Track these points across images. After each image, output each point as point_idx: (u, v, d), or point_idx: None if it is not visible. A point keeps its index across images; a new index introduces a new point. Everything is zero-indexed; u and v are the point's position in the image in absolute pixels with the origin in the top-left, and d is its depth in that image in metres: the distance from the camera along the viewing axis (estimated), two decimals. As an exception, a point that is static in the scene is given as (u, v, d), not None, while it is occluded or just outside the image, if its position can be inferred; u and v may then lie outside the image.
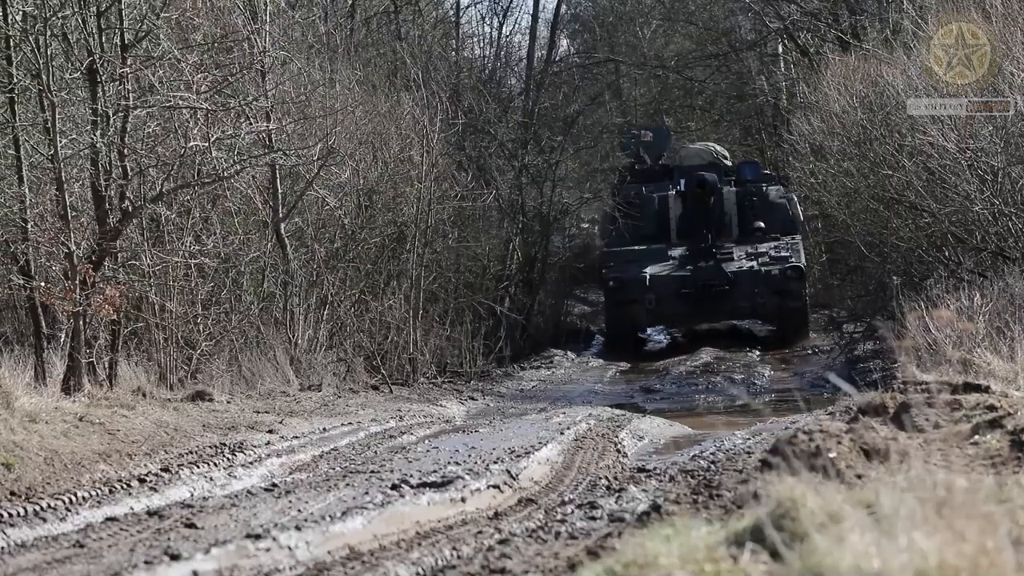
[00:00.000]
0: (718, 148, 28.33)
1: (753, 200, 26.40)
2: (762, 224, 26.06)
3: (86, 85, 14.25)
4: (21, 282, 14.02)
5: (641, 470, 10.53)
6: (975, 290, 16.12)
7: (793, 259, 25.14)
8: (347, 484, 9.09)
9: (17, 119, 13.58)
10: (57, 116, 13.58)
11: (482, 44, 34.11)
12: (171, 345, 16.28)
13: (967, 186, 18.42)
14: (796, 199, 26.52)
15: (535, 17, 33.58)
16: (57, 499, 8.67)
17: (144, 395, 13.99)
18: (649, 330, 27.96)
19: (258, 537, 6.71)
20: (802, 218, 26.90)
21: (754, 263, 25.14)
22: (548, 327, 30.33)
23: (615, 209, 27.14)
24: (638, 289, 24.89)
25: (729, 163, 27.96)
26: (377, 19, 30.48)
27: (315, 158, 19.26)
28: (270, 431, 12.96)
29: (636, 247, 25.67)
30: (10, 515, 8.10)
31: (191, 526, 7.60)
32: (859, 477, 6.04)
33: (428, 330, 23.19)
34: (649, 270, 25.09)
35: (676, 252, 25.61)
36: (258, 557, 6.48)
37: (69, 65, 14.43)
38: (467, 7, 34.00)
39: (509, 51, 34.24)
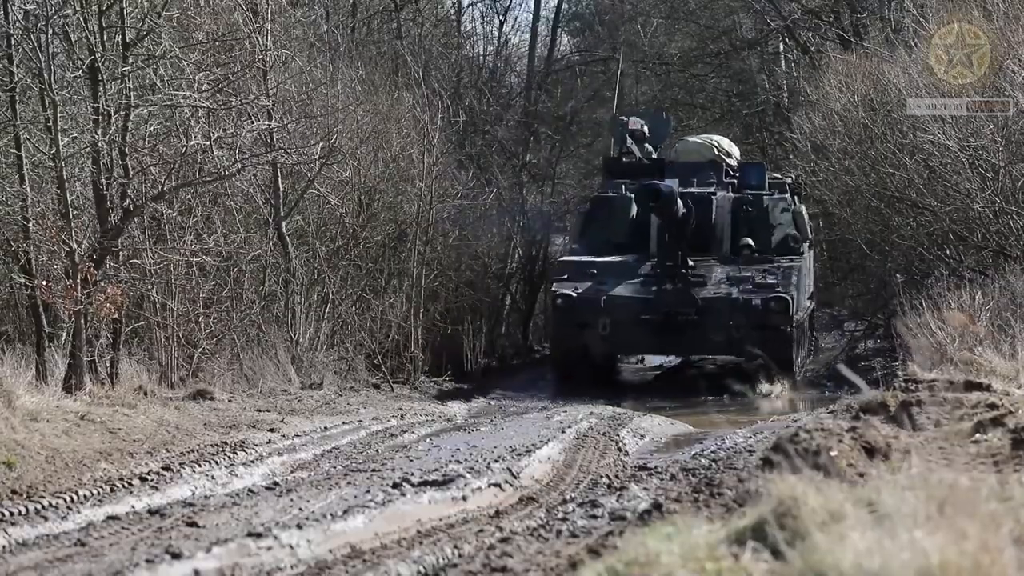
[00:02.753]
0: (723, 143, 23.65)
1: (749, 211, 21.71)
2: (750, 241, 21.31)
3: (87, 84, 14.26)
4: (22, 281, 14.04)
5: (642, 468, 10.53)
6: (976, 288, 16.16)
7: (780, 288, 20.08)
8: (348, 482, 9.09)
9: (18, 118, 13.60)
10: (58, 115, 13.59)
11: (483, 43, 34.11)
12: (172, 344, 16.30)
13: (968, 184, 18.44)
14: (805, 213, 22.53)
15: (536, 15, 33.62)
16: (58, 497, 8.67)
17: (145, 394, 13.99)
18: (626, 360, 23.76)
19: (260, 535, 6.71)
20: (810, 235, 22.83)
21: (733, 289, 20.25)
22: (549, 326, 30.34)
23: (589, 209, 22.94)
24: (590, 310, 20.00)
25: (734, 162, 23.30)
26: (378, 18, 30.50)
27: (316, 157, 19.28)
28: (271, 430, 12.96)
29: (599, 258, 20.87)
30: (11, 513, 8.09)
31: (193, 524, 7.59)
32: (861, 475, 6.04)
33: (429, 328, 23.21)
34: (607, 288, 20.27)
35: (648, 269, 20.76)
36: (260, 555, 6.48)
37: (70, 64, 14.44)
38: (468, 6, 33.97)
39: (509, 49, 34.25)
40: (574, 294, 20.18)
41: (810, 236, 22.76)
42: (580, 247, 21.72)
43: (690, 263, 20.41)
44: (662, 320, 19.98)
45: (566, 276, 20.67)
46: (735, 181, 22.41)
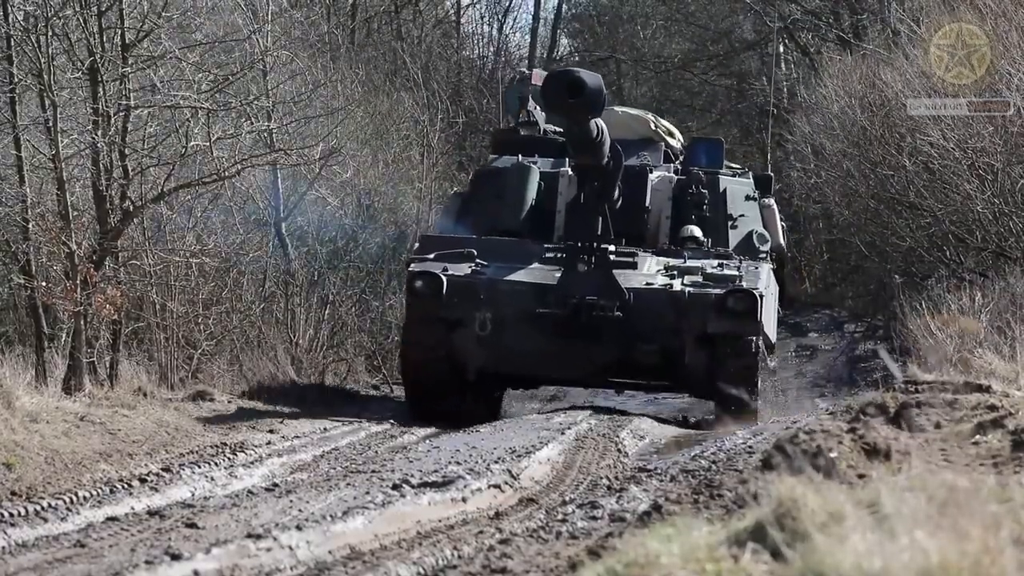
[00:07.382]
0: (661, 120, 17.39)
1: (701, 192, 15.47)
2: (697, 232, 15.29)
3: (87, 85, 14.26)
4: (22, 282, 14.04)
5: (642, 470, 10.52)
6: (976, 290, 16.17)
7: (745, 281, 14.08)
8: (348, 484, 9.08)
9: (18, 119, 13.59)
10: (58, 116, 13.59)
11: (482, 44, 34.15)
12: (172, 345, 16.31)
13: (967, 186, 18.46)
14: (776, 208, 16.54)
15: (536, 16, 33.69)
16: (58, 499, 8.65)
17: (145, 395, 13.99)
18: None
19: (259, 537, 6.70)
20: (782, 240, 16.61)
21: (674, 282, 14.18)
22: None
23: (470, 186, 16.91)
24: (463, 301, 14.03)
25: (676, 143, 17.16)
26: (378, 19, 30.52)
27: (316, 158, 19.28)
28: (271, 431, 12.96)
29: (477, 238, 14.84)
30: (11, 515, 8.07)
31: (192, 526, 7.58)
32: (861, 477, 6.03)
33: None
34: (489, 272, 14.22)
35: (552, 252, 14.52)
36: (259, 557, 6.47)
37: (70, 64, 14.44)
38: (467, 7, 34.03)
39: (509, 50, 34.28)
40: (443, 276, 14.03)
41: (782, 242, 16.67)
42: (446, 229, 15.82)
43: (611, 247, 14.47)
44: (569, 316, 13.93)
45: (429, 256, 14.44)
46: (679, 166, 16.41)
